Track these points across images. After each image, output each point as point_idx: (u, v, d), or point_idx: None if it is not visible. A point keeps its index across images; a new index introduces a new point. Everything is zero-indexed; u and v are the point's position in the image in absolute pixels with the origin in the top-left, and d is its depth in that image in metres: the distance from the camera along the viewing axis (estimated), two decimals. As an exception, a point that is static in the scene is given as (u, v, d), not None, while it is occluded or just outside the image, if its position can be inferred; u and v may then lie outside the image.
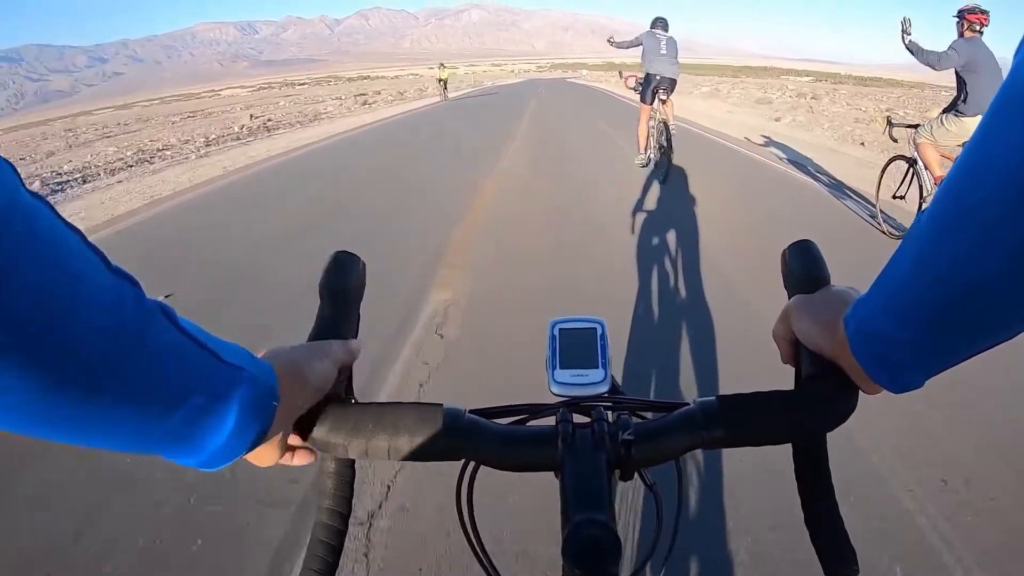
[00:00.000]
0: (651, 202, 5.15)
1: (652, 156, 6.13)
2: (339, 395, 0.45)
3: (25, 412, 0.25)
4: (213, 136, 12.96)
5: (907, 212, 4.31)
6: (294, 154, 9.50)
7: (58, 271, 0.24)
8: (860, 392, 0.41)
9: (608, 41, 6.79)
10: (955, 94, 3.76)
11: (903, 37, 3.85)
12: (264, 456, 0.40)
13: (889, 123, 4.19)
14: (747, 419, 0.42)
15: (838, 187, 5.64)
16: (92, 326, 0.25)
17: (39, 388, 0.24)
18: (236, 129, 14.14)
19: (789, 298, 0.46)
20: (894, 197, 4.28)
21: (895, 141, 4.20)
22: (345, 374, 0.46)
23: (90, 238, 0.27)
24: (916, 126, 3.96)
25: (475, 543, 0.46)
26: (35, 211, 0.24)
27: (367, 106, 21.34)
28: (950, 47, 3.65)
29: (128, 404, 0.28)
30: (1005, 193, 0.27)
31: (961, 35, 3.65)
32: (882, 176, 4.34)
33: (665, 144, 5.59)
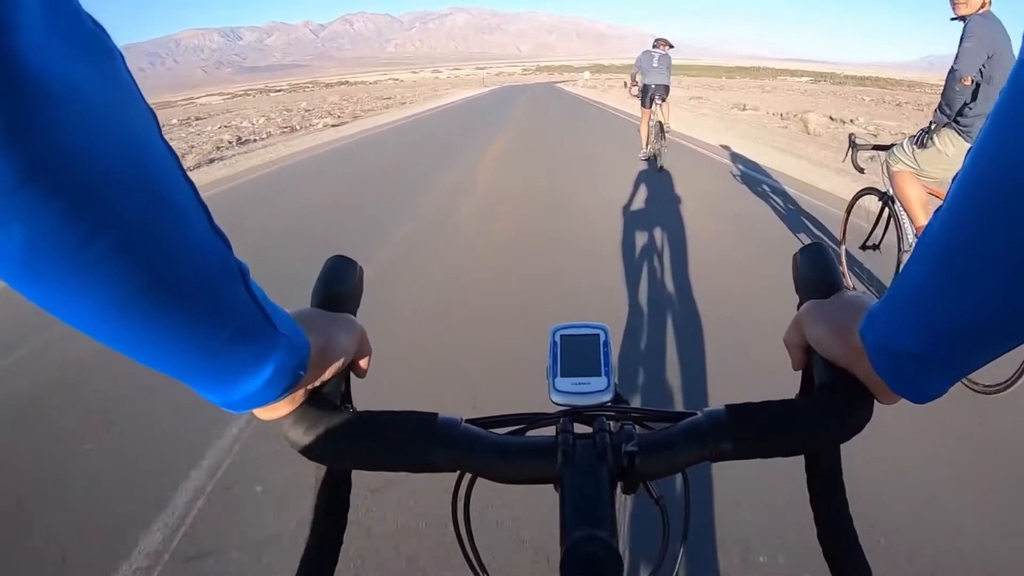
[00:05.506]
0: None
1: (653, 151, 6.97)
2: (334, 403, 0.42)
3: (110, 319, 0.28)
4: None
5: (881, 263, 3.13)
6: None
7: (171, 213, 0.28)
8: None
9: (630, 90, 7.91)
10: (946, 99, 2.46)
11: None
12: (272, 412, 0.41)
13: (852, 144, 2.96)
14: (758, 430, 0.39)
15: None
16: (185, 265, 0.29)
17: (128, 304, 0.27)
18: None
19: (800, 303, 0.43)
20: (864, 247, 3.05)
21: (861, 171, 2.99)
22: (343, 381, 0.45)
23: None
24: (889, 147, 2.76)
25: (473, 559, 0.45)
26: (166, 159, 0.28)
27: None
28: (966, 34, 2.35)
29: (189, 338, 0.31)
30: None
31: (961, 16, 2.37)
32: (848, 216, 3.15)
33: (663, 140, 6.63)
